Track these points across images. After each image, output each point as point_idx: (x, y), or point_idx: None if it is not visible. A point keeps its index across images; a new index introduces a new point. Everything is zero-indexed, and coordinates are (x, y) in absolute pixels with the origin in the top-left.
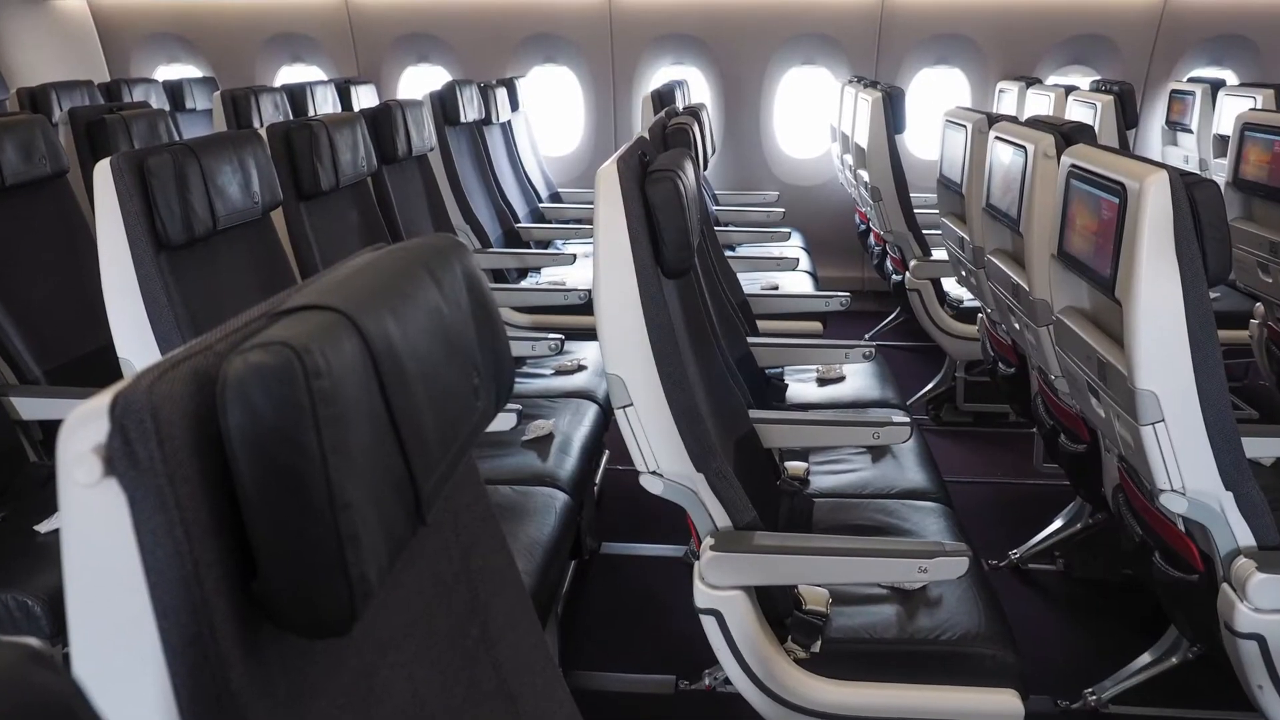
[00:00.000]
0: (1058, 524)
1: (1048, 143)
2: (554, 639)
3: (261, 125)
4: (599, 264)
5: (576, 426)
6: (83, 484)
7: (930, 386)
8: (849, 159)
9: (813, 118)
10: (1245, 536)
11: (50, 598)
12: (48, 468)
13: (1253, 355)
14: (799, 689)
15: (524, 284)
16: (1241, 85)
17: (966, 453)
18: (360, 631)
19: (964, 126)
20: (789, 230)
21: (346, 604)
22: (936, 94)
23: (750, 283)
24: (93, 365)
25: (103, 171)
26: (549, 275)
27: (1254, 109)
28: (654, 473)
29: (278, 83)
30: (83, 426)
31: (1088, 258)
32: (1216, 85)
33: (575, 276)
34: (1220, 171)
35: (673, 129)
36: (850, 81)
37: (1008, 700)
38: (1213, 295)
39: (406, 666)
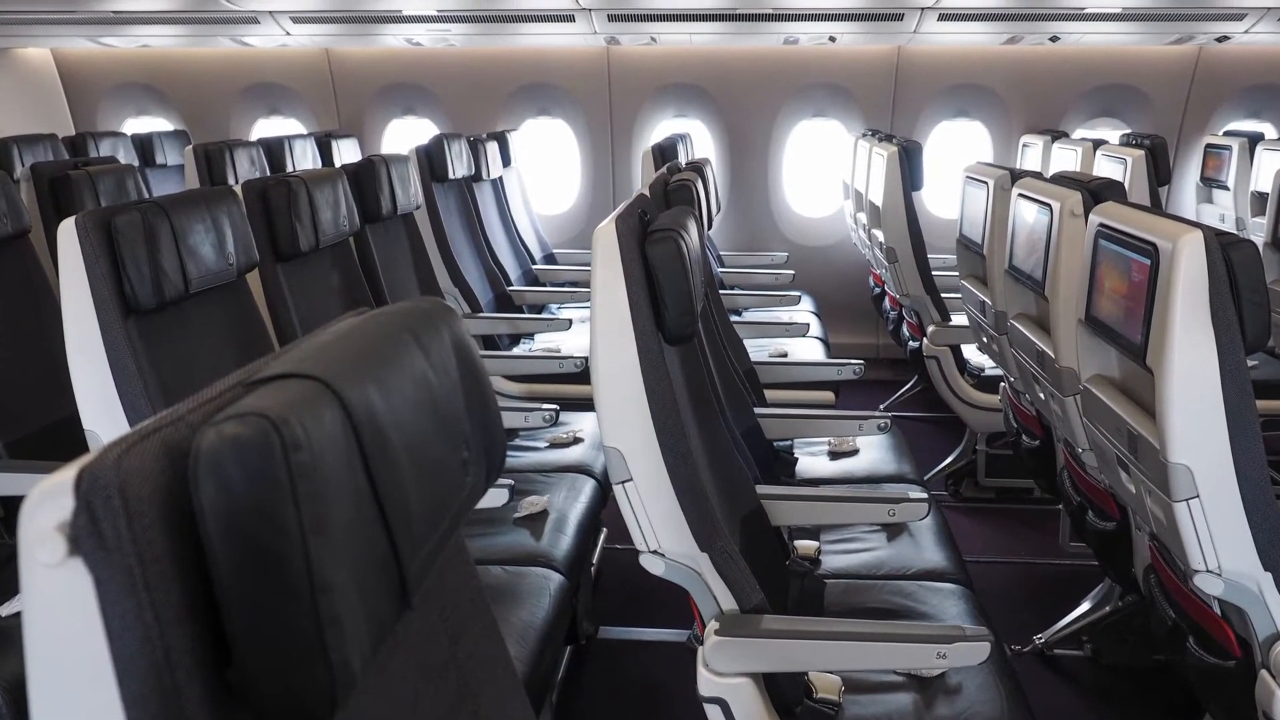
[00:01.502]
0: (1085, 606)
1: (1074, 200)
2: None
3: (236, 181)
4: (596, 330)
5: (572, 503)
6: (46, 564)
7: (949, 460)
8: (863, 218)
9: (824, 174)
10: None
11: (11, 686)
12: (9, 547)
13: None
14: None
15: (516, 351)
16: None
17: (988, 531)
18: None
19: (985, 183)
20: (799, 293)
21: (327, 693)
22: (956, 148)
23: (758, 350)
24: (57, 437)
25: (67, 231)
26: (543, 342)
27: None
28: (655, 552)
29: (254, 136)
30: (46, 503)
31: (1117, 323)
32: (1254, 139)
33: (571, 343)
34: (1259, 231)
35: (675, 186)
36: (864, 135)
37: None
38: (1250, 363)
39: None
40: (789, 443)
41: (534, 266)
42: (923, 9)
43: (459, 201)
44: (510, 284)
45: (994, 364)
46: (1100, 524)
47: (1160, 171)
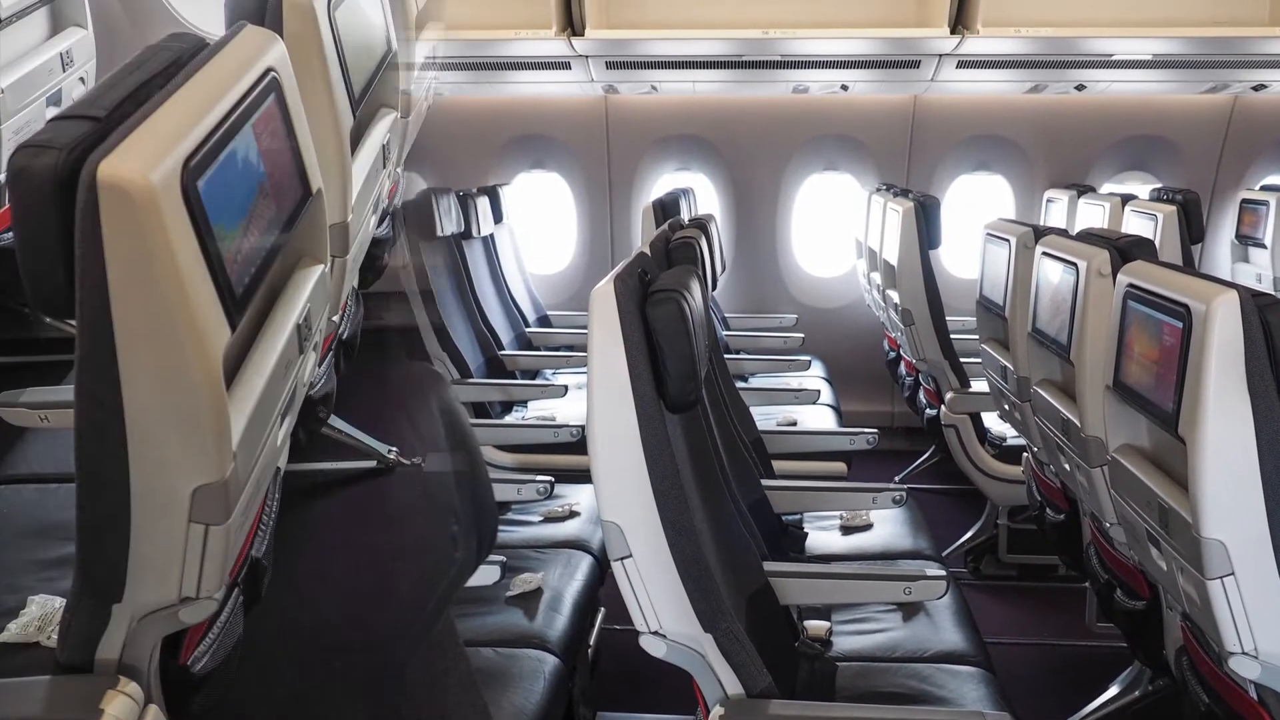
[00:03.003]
0: (1114, 691)
1: (1102, 259)
2: None
3: None
4: (594, 397)
5: (568, 581)
6: None
7: (969, 535)
8: (877, 278)
9: (835, 231)
10: None
11: None
12: None
13: None
14: None
15: (509, 419)
16: None
17: (1010, 610)
18: None
19: (1007, 241)
20: (809, 358)
21: None
22: (976, 204)
23: (765, 418)
24: None
25: None
26: (537, 409)
27: None
28: (656, 633)
29: None
30: None
31: (1147, 390)
32: None
33: (567, 411)
34: None
35: (677, 243)
36: (878, 190)
37: None
38: None
39: None
40: (798, 516)
41: (527, 329)
42: (941, 56)
43: (448, 260)
44: (502, 348)
45: (1016, 433)
46: (1129, 603)
47: (1193, 228)
